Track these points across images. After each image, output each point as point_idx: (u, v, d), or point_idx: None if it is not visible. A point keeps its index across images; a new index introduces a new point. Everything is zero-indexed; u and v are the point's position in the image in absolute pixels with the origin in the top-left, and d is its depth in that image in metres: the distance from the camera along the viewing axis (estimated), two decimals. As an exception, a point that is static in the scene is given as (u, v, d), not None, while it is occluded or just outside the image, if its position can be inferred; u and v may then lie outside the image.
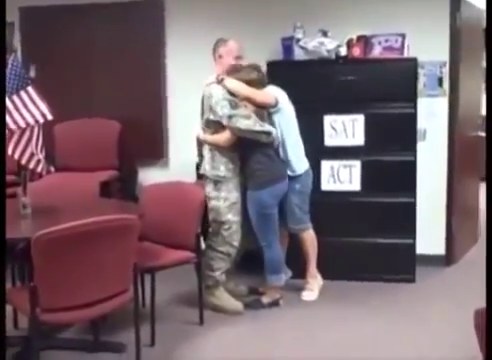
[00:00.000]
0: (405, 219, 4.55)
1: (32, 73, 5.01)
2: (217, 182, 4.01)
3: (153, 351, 3.51)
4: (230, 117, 3.86)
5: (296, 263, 4.30)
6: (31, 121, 3.48)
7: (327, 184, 4.60)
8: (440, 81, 4.82)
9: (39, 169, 3.61)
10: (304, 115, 4.21)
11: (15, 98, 3.48)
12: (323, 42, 4.47)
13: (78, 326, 3.77)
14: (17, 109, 3.47)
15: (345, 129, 4.54)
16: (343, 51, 4.52)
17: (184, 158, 5.04)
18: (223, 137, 3.94)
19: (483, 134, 5.46)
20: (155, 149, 5.36)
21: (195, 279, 3.88)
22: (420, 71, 4.69)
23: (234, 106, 3.89)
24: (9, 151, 3.44)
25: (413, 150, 4.53)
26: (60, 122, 4.85)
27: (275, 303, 4.17)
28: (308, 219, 4.29)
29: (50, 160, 4.49)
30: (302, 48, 4.54)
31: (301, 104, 4.19)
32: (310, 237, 4.31)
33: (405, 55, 4.53)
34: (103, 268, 2.92)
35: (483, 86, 6.12)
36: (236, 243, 4.07)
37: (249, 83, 3.97)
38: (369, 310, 4.10)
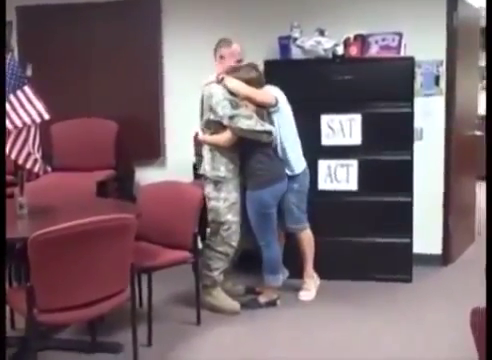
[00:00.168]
0: (402, 218, 4.55)
1: (29, 72, 5.00)
2: (217, 183, 3.99)
3: (150, 351, 3.51)
4: (231, 117, 3.84)
5: (293, 263, 4.30)
6: (28, 121, 3.47)
7: (324, 183, 4.60)
8: (437, 80, 4.82)
9: (36, 169, 3.61)
10: (301, 114, 4.21)
11: (12, 98, 3.48)
12: (320, 41, 4.47)
13: (75, 326, 3.77)
14: (14, 109, 3.47)
15: (342, 128, 4.54)
16: (340, 50, 4.51)
17: (181, 158, 5.04)
18: (224, 137, 3.93)
19: (480, 133, 5.48)
20: (152, 149, 5.35)
21: (192, 279, 3.88)
22: (417, 70, 4.69)
23: (235, 106, 3.88)
24: (6, 151, 3.44)
25: (410, 149, 4.53)
26: (57, 122, 4.85)
27: (272, 303, 4.17)
28: (306, 219, 4.30)
29: (47, 160, 4.48)
30: (299, 47, 4.54)
31: (298, 103, 4.20)
32: (307, 237, 4.31)
33: (402, 54, 4.54)
34: (100, 268, 2.92)
35: (480, 85, 6.13)
36: (235, 243, 4.06)
37: (249, 82, 3.97)
38: (366, 310, 4.10)
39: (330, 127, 4.55)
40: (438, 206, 4.95)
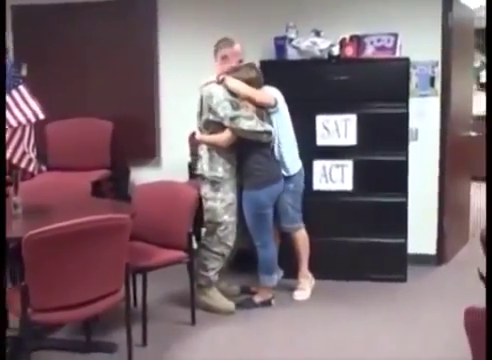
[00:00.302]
0: (397, 219, 4.56)
1: (24, 72, 4.98)
2: (214, 183, 3.99)
3: (145, 351, 3.51)
4: (233, 119, 3.84)
5: (288, 263, 4.31)
6: (23, 120, 3.48)
7: (319, 184, 4.60)
8: (432, 81, 4.83)
9: (31, 168, 3.61)
10: (296, 115, 4.22)
11: (7, 97, 3.48)
12: (316, 42, 4.47)
13: (70, 326, 3.76)
14: (9, 108, 3.47)
15: (337, 129, 4.54)
16: (336, 51, 4.52)
17: (176, 158, 5.04)
18: (223, 137, 3.92)
19: (474, 134, 5.49)
20: (147, 148, 5.34)
21: (187, 279, 3.87)
22: (412, 71, 4.70)
23: (236, 107, 3.87)
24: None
25: (405, 150, 4.54)
26: (52, 121, 4.84)
27: (267, 303, 4.18)
28: (300, 219, 4.30)
29: (42, 159, 4.49)
30: (295, 48, 4.54)
31: (293, 104, 4.20)
32: (302, 237, 4.32)
33: (397, 55, 4.54)
34: (95, 268, 2.92)
35: (475, 86, 6.14)
36: (231, 243, 4.06)
37: (249, 82, 3.96)
38: (361, 309, 4.11)
39: (325, 127, 4.55)
40: (433, 207, 4.96)
